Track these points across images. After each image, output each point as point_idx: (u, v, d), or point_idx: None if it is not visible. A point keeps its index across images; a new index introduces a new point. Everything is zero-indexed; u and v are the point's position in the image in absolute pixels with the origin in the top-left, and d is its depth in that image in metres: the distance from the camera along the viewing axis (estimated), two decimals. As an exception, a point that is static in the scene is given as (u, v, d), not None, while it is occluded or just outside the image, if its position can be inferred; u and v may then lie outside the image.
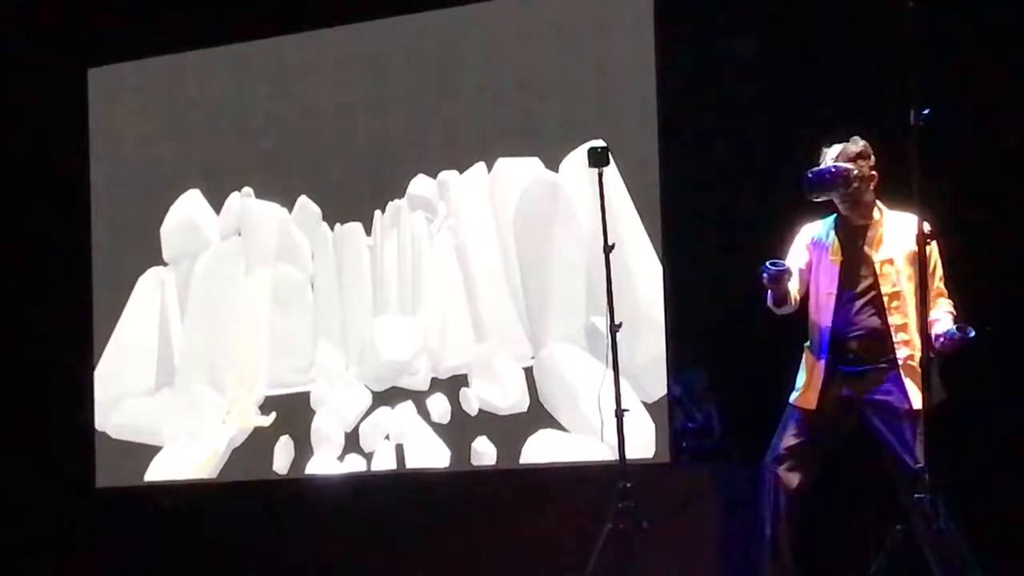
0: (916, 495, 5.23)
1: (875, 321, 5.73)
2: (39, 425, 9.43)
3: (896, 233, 5.73)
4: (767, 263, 5.71)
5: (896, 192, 5.76)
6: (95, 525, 9.19)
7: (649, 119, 8.12)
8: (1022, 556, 6.92)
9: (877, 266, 5.75)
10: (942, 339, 5.52)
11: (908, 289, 5.68)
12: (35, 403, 9.47)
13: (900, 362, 5.63)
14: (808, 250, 5.91)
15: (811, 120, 7.53)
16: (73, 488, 9.30)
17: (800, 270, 5.91)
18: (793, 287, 5.86)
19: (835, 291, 5.78)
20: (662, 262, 8.06)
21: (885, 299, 5.70)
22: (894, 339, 5.65)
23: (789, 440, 5.81)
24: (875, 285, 5.74)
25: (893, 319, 5.68)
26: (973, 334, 5.47)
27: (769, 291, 5.79)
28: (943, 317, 5.69)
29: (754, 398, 7.73)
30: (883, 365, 5.68)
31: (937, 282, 5.78)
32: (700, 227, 8.12)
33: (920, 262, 5.46)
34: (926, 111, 5.26)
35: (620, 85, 8.22)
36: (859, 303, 5.76)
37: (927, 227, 5.58)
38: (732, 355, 8.04)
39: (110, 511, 9.20)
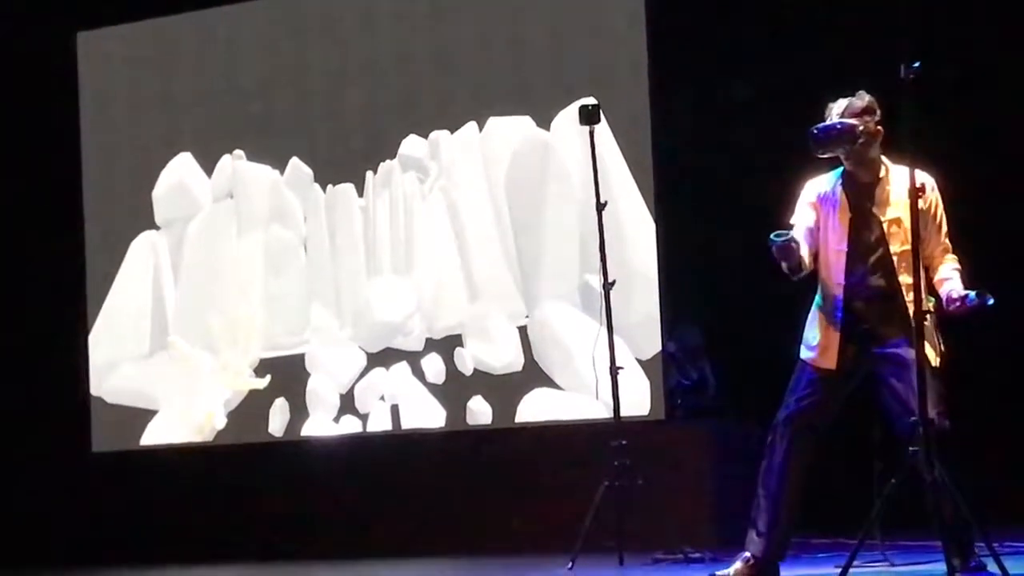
0: (911, 448, 5.22)
1: (885, 282, 5.67)
2: (35, 391, 9.43)
3: (902, 190, 5.65)
4: (772, 236, 5.59)
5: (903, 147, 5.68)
6: (92, 489, 9.21)
7: (640, 76, 8.10)
8: (1017, 508, 6.95)
9: (885, 226, 5.68)
10: (957, 303, 5.47)
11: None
12: (31, 369, 9.46)
13: (911, 321, 5.57)
14: (815, 208, 5.80)
15: (805, 75, 7.52)
16: (70, 453, 9.30)
17: (809, 229, 5.77)
18: (804, 250, 5.74)
19: (845, 248, 5.70)
20: (655, 219, 8.05)
21: (895, 259, 5.64)
22: (905, 298, 5.59)
23: (804, 400, 5.70)
24: (884, 244, 5.67)
25: (903, 279, 5.62)
26: (992, 301, 5.41)
27: (782, 263, 5.65)
28: (952, 276, 5.64)
29: (748, 355, 7.76)
30: (895, 324, 5.63)
31: (943, 238, 5.73)
32: (692, 183, 8.12)
33: (911, 214, 5.43)
34: (916, 64, 5.21)
35: (611, 43, 8.20)
36: (869, 263, 5.69)
37: (926, 179, 5.55)
38: (726, 311, 8.05)
39: (107, 475, 9.22)
